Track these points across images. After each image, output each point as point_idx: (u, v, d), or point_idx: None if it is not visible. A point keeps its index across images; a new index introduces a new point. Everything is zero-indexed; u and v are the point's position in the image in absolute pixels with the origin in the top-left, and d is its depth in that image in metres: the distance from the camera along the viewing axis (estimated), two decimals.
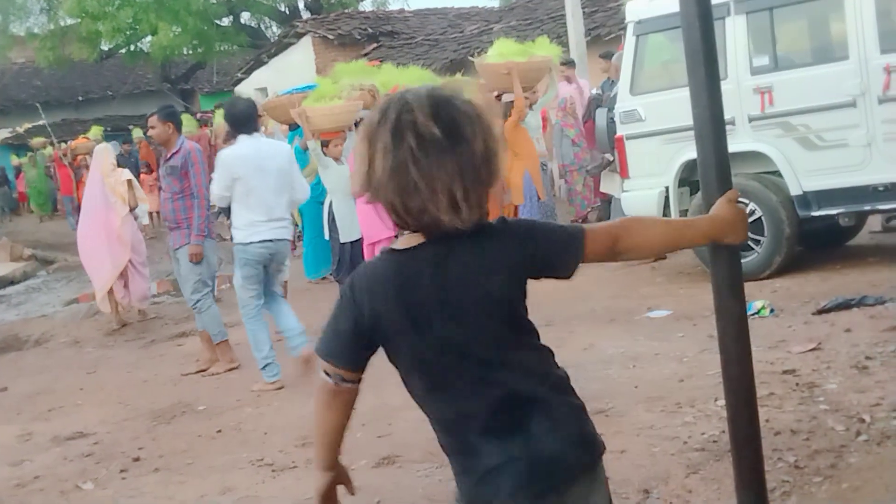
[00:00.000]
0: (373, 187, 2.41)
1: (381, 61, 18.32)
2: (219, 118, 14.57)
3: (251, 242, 7.99)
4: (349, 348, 2.59)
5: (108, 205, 11.75)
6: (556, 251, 2.51)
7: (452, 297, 2.45)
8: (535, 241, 2.49)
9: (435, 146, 2.34)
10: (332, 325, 2.59)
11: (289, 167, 8.28)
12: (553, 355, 2.60)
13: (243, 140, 8.14)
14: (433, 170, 2.34)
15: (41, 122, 35.37)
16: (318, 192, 11.87)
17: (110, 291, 11.96)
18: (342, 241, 11.38)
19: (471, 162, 2.37)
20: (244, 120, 8.21)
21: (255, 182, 7.96)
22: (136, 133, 24.70)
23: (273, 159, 8.13)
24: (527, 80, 11.84)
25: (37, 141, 33.62)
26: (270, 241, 8.05)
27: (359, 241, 11.63)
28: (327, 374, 2.61)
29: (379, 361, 7.53)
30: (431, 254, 2.45)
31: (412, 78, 13.51)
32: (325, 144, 11.37)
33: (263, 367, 8.09)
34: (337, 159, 11.36)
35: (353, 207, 11.50)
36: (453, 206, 2.35)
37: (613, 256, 2.58)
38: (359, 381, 2.66)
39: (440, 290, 2.45)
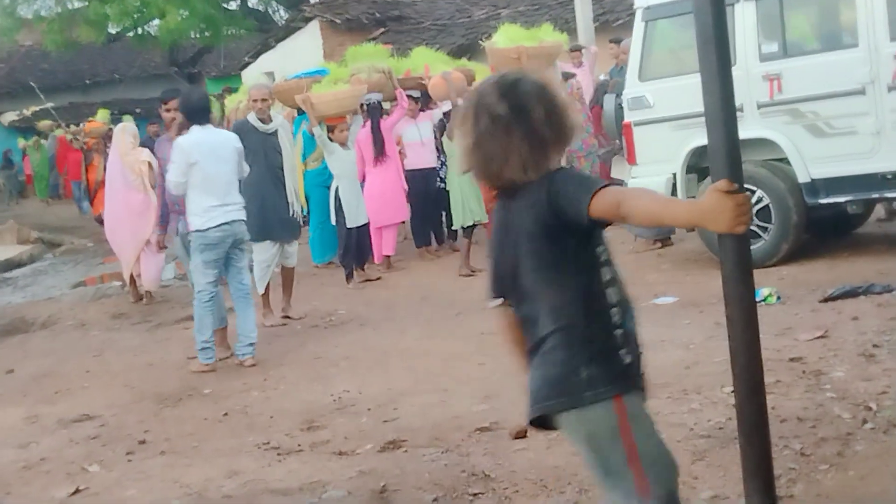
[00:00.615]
0: (466, 160, 3.09)
1: (392, 45, 18.21)
2: (230, 102, 14.59)
3: (209, 228, 8.31)
4: (494, 279, 3.20)
5: (128, 183, 11.81)
6: (567, 194, 2.90)
7: (508, 235, 3.07)
8: (556, 183, 2.94)
9: (503, 122, 2.98)
10: (489, 267, 3.24)
11: (238, 154, 8.63)
12: (589, 299, 2.99)
13: (196, 130, 8.46)
14: (503, 141, 2.98)
15: (48, 105, 35.29)
16: (326, 177, 11.87)
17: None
18: (348, 226, 11.38)
19: (533, 130, 2.98)
20: (199, 111, 8.57)
21: (211, 167, 8.33)
22: (128, 119, 24.32)
23: (224, 147, 8.51)
24: (536, 64, 11.81)
25: (44, 124, 33.54)
26: (227, 223, 8.36)
27: (365, 227, 11.62)
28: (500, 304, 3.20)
29: (383, 347, 7.45)
30: (503, 201, 3.11)
31: (430, 60, 13.47)
32: (330, 130, 11.36)
33: (201, 349, 8.42)
34: (343, 144, 11.35)
35: (359, 193, 11.49)
36: (522, 167, 2.97)
37: (619, 217, 2.86)
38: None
39: (503, 229, 3.10)
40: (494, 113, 2.98)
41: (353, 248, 11.59)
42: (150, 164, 11.69)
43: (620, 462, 2.96)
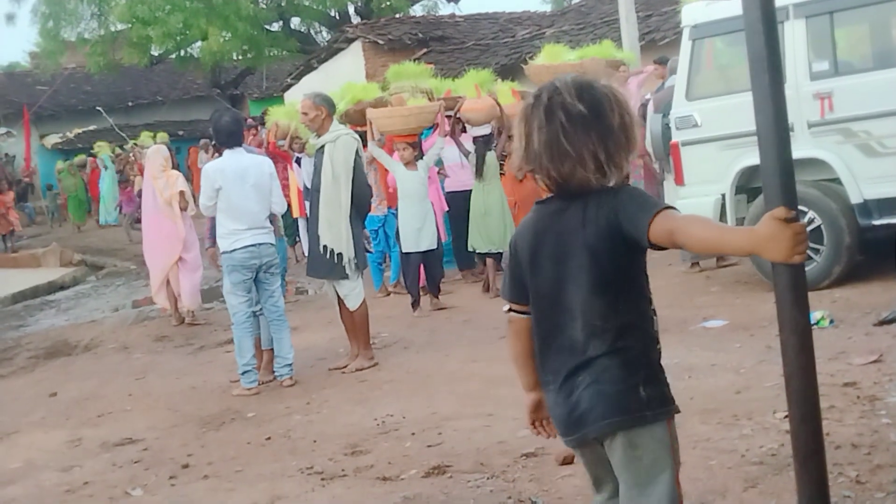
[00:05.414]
0: (530, 159, 2.97)
1: (434, 65, 18.13)
2: (270, 121, 14.62)
3: (235, 249, 8.40)
4: (512, 283, 3.16)
5: (157, 207, 12.03)
6: (630, 213, 2.84)
7: (558, 245, 2.98)
8: (621, 199, 2.88)
9: (581, 121, 2.88)
10: (505, 268, 3.24)
11: (268, 180, 8.61)
12: (642, 323, 3.07)
13: (226, 154, 8.56)
14: (580, 139, 2.88)
15: (92, 128, 35.52)
16: None
17: (169, 288, 12.43)
18: (403, 250, 11.08)
19: (612, 132, 2.90)
20: (227, 135, 8.59)
21: (235, 193, 8.39)
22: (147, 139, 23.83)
23: (252, 172, 8.49)
24: None
25: (100, 145, 33.50)
26: (253, 245, 8.41)
27: (433, 252, 11.18)
28: (508, 309, 3.20)
29: (427, 370, 7.38)
30: (556, 206, 3.01)
31: (480, 81, 13.32)
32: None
33: (242, 373, 8.48)
34: (409, 164, 10.94)
35: (422, 216, 10.97)
36: (599, 168, 2.88)
37: (674, 245, 2.84)
38: (526, 313, 3.15)
39: (554, 237, 2.99)
40: (570, 110, 2.88)
41: (414, 274, 11.24)
42: (182, 193, 11.87)
43: (666, 478, 3.00)
